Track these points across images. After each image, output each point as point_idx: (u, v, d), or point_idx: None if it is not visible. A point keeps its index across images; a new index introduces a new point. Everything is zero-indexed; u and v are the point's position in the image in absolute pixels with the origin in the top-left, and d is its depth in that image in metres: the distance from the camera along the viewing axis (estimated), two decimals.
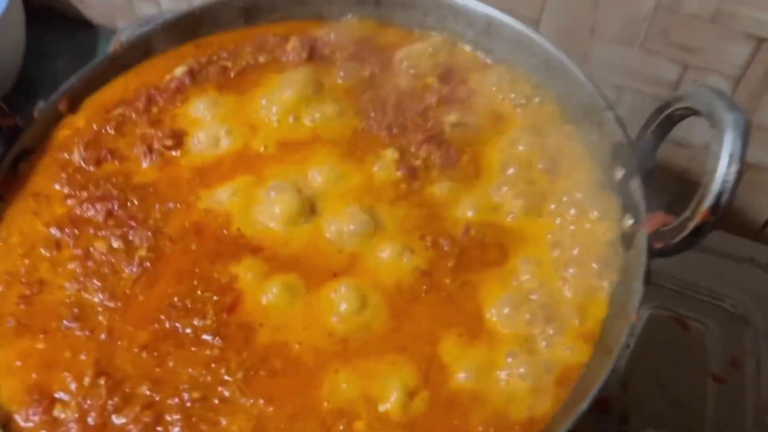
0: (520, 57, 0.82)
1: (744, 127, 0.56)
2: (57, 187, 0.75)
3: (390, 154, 0.77)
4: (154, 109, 0.82)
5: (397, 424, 0.60)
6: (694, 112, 0.63)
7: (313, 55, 0.86)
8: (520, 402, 0.61)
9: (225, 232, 0.71)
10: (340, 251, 0.69)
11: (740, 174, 0.56)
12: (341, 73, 0.84)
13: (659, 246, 0.63)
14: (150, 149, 0.77)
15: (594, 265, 0.67)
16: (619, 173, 0.71)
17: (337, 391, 0.62)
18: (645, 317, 0.91)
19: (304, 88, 0.81)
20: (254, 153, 0.77)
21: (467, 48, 0.86)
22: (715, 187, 0.57)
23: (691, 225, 0.59)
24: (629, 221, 0.68)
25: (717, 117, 0.59)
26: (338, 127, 0.79)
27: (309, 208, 0.72)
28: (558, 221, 0.71)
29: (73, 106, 0.82)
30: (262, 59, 0.86)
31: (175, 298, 0.67)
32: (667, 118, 0.66)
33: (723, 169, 0.57)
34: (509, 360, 0.63)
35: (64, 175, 0.76)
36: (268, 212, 0.72)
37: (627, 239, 0.67)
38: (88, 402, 0.61)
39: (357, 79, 0.84)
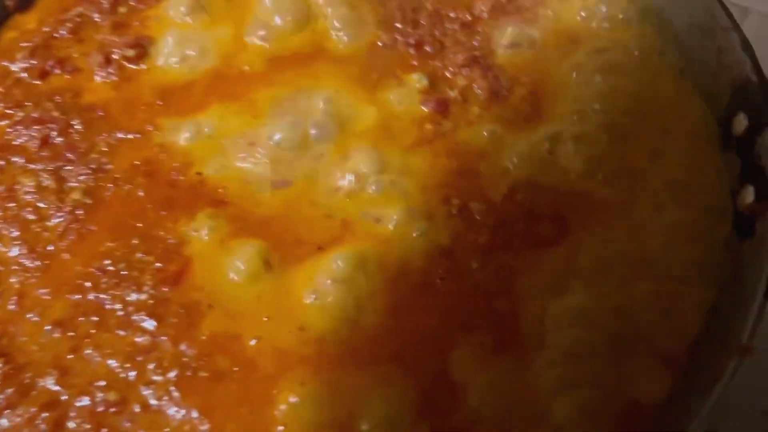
0: None
1: None
2: None
3: (416, 80, 0.56)
4: (121, 9, 0.63)
5: None
6: None
7: None
8: None
9: (182, 177, 0.53)
10: (329, 216, 0.50)
11: None
12: None
13: None
14: (107, 60, 0.60)
15: (689, 262, 0.44)
16: (742, 124, 0.48)
17: (300, 412, 0.43)
18: None
19: None
20: (236, 72, 0.58)
21: None
22: None
23: None
24: (750, 196, 0.45)
25: None
26: (352, 39, 0.59)
27: (303, 148, 0.53)
28: (643, 193, 0.48)
29: (24, 4, 0.64)
30: None
31: (107, 261, 0.49)
32: None
33: None
34: (551, 385, 0.43)
35: (1, 88, 0.59)
36: (245, 155, 0.53)
37: (745, 224, 0.45)
38: None
39: None
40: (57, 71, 0.61)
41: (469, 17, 0.60)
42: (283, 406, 0.44)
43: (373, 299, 0.47)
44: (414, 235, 0.49)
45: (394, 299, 0.47)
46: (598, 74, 0.56)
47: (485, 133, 0.54)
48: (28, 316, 0.49)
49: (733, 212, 0.48)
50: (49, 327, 0.49)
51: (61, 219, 0.53)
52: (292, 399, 0.45)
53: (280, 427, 0.44)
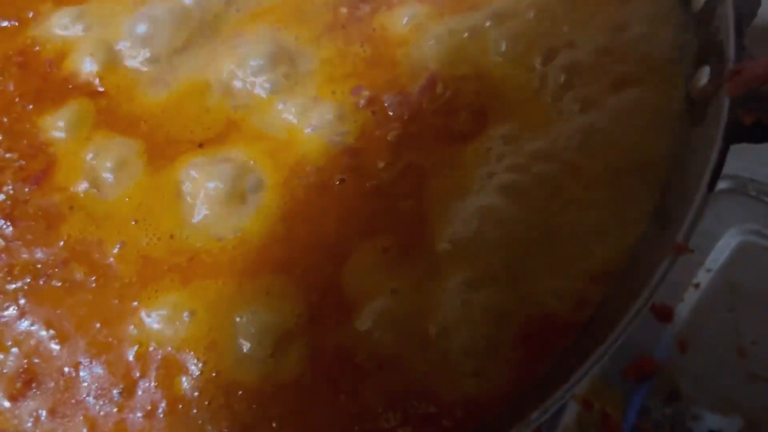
0: None
1: None
2: None
3: None
4: None
5: (245, 389, 0.35)
6: None
7: None
8: (468, 372, 0.35)
9: (59, 67, 0.45)
10: (213, 111, 0.43)
11: None
12: None
13: (750, 120, 0.33)
14: None
15: (627, 149, 0.37)
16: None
17: (160, 326, 0.36)
18: (732, 245, 0.59)
19: None
20: None
21: None
22: None
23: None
24: (705, 75, 0.37)
25: None
26: None
27: (195, 31, 0.45)
28: (585, 68, 0.41)
29: None
30: None
31: None
32: None
33: None
34: (456, 297, 0.36)
35: None
36: (124, 45, 0.45)
37: (697, 105, 0.37)
38: None
39: None
40: None
41: None
42: (145, 319, 0.38)
43: (258, 202, 0.40)
44: (311, 130, 0.42)
45: (285, 202, 0.40)
46: None
47: (406, 18, 0.46)
48: None
49: (684, 100, 0.40)
50: None
51: None
52: (155, 313, 0.38)
53: (135, 346, 0.37)
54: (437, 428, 0.34)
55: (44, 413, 0.36)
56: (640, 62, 0.42)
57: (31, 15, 0.49)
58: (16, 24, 0.49)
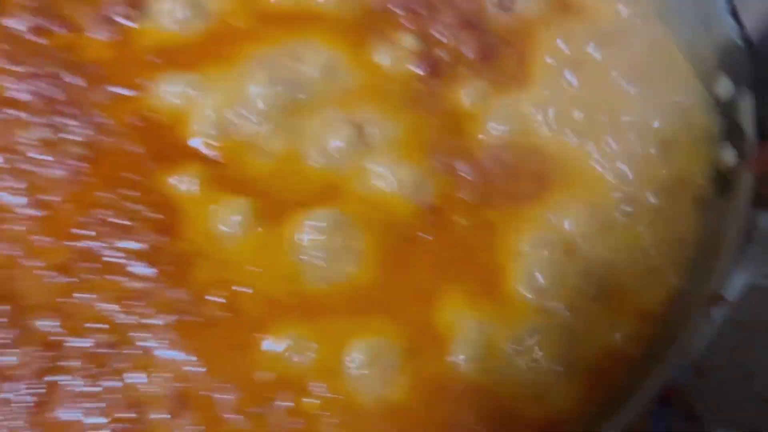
0: None
1: None
2: None
3: (407, 40, 0.57)
4: None
5: (362, 411, 0.43)
6: None
7: None
8: (539, 395, 0.43)
9: (177, 133, 0.54)
10: (316, 174, 0.51)
11: None
12: None
13: None
14: (107, 19, 0.60)
15: (669, 216, 0.46)
16: (725, 86, 0.49)
17: (286, 356, 0.45)
18: (742, 284, 0.68)
19: None
20: (228, 31, 0.59)
21: None
22: None
23: None
24: (730, 155, 0.46)
25: None
26: (342, 1, 0.60)
27: (293, 107, 0.54)
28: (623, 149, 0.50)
29: None
30: None
31: (106, 211, 0.51)
32: None
33: None
34: (529, 338, 0.44)
35: (5, 46, 0.60)
36: (235, 114, 0.54)
37: (723, 181, 0.46)
38: None
39: None
40: (58, 30, 0.61)
41: None
42: (273, 349, 0.46)
43: (358, 253, 0.49)
44: (399, 191, 0.51)
45: (381, 252, 0.49)
46: (589, 41, 0.57)
47: (475, 95, 0.55)
48: (29, 262, 0.51)
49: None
50: (49, 272, 0.50)
51: (60, 170, 0.54)
52: (281, 344, 0.46)
53: (266, 372, 0.45)
54: None
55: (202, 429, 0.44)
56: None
57: (148, 85, 0.58)
58: (136, 93, 0.57)
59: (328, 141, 0.53)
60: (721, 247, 0.44)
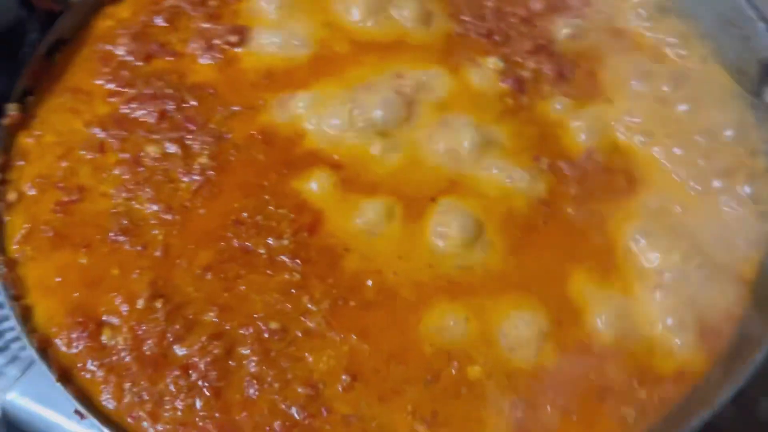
0: None
1: None
2: (99, 82, 0.63)
3: (493, 62, 0.65)
4: (212, 2, 0.69)
5: (522, 373, 0.49)
6: None
7: None
8: (667, 353, 0.50)
9: (298, 143, 0.59)
10: (439, 171, 0.58)
11: None
12: None
13: None
14: (209, 45, 0.65)
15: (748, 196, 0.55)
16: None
17: (445, 330, 0.50)
18: None
19: None
20: (329, 55, 0.65)
21: None
22: None
23: None
24: None
25: None
26: (428, 31, 0.67)
27: (403, 117, 0.60)
28: (693, 152, 0.59)
29: None
30: None
31: (244, 214, 0.55)
32: None
33: None
34: (656, 300, 0.51)
35: (107, 70, 0.64)
36: (346, 126, 0.60)
37: None
38: (143, 328, 0.49)
39: None
40: (159, 55, 0.66)
41: (527, 13, 0.69)
42: (430, 326, 0.51)
43: (487, 241, 0.55)
44: (518, 185, 0.57)
45: (507, 240, 0.55)
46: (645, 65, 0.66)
47: (558, 106, 0.63)
48: (177, 262, 0.54)
49: None
50: (199, 272, 0.53)
51: (192, 180, 0.58)
52: (437, 321, 0.51)
53: (428, 345, 0.50)
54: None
55: (373, 401, 0.49)
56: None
57: (261, 102, 0.63)
58: (251, 110, 0.62)
59: (442, 145, 0.59)
60: None
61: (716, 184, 0.59)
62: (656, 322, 0.51)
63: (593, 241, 0.55)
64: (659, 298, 0.52)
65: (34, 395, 0.57)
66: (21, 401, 0.58)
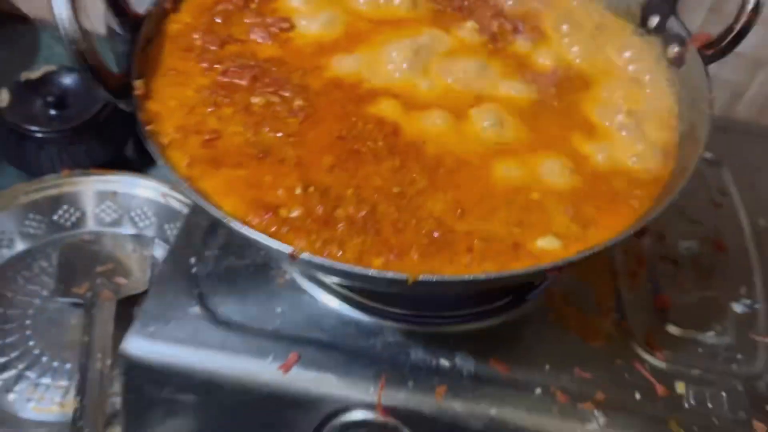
0: None
1: None
2: (191, 63, 0.82)
3: (470, 25, 0.93)
4: (252, 5, 0.91)
5: (562, 190, 0.75)
6: None
7: None
8: (645, 170, 0.78)
9: (360, 86, 0.82)
10: (464, 91, 0.83)
11: None
12: None
13: (708, 53, 0.84)
14: (267, 32, 0.87)
15: (662, 82, 0.86)
16: (654, 20, 0.92)
17: (508, 176, 0.75)
18: None
19: None
20: (356, 31, 0.89)
21: None
22: None
23: (738, 26, 0.81)
24: (675, 49, 0.89)
25: None
26: (419, 10, 0.94)
27: (427, 62, 0.86)
28: (621, 60, 0.90)
29: (175, 6, 0.89)
30: None
31: (343, 132, 0.77)
32: None
33: None
34: (625, 142, 0.80)
35: (192, 55, 0.83)
36: (395, 67, 0.84)
37: (678, 60, 0.88)
38: (310, 203, 0.69)
39: None
40: (230, 42, 0.86)
41: None
42: (495, 177, 0.76)
43: (517, 123, 0.81)
44: (519, 94, 0.85)
45: (527, 122, 0.82)
46: (566, 22, 0.97)
47: (524, 46, 0.92)
48: (309, 166, 0.74)
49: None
50: (328, 169, 0.74)
51: (296, 116, 0.79)
52: (500, 173, 0.76)
53: (501, 185, 0.75)
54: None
55: (479, 222, 0.72)
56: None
57: (322, 63, 0.86)
58: (316, 69, 0.85)
59: (460, 73, 0.85)
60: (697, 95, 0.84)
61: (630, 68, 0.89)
62: (631, 155, 0.79)
63: (576, 118, 0.83)
64: (626, 138, 0.80)
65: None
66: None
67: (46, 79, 1.32)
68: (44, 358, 1.10)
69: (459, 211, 0.70)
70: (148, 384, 0.83)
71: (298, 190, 0.70)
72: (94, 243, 1.24)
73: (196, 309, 0.84)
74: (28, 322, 1.14)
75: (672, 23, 0.89)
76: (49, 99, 1.28)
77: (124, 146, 1.36)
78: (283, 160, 0.73)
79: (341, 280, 0.76)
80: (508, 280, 0.66)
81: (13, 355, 1.10)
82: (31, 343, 1.11)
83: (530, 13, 0.96)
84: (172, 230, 1.25)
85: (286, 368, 0.79)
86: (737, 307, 0.91)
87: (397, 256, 0.65)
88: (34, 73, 1.33)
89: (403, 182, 0.73)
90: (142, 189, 1.27)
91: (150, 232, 1.26)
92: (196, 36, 0.85)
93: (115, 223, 1.27)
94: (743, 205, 1.06)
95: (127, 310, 1.14)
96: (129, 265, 1.22)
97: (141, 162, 1.37)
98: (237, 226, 0.65)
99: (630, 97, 0.85)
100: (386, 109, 0.79)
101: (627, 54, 0.90)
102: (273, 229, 0.66)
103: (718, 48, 0.83)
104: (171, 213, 1.26)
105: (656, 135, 0.81)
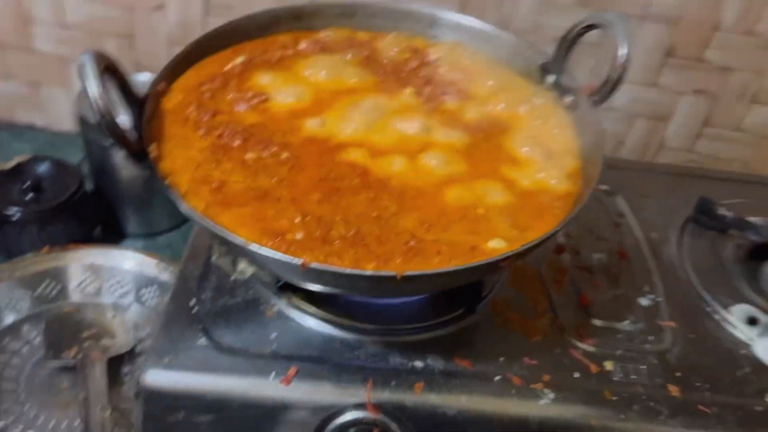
0: (461, 35, 1.27)
1: (626, 18, 1.07)
2: (190, 131, 1.00)
3: (409, 90, 1.16)
4: (231, 84, 1.11)
5: (501, 206, 0.96)
6: (593, 27, 1.12)
7: (324, 48, 1.23)
8: (559, 188, 1.01)
9: (330, 140, 1.02)
10: (413, 139, 1.05)
11: (631, 42, 1.06)
12: (348, 56, 1.22)
13: (595, 100, 1.10)
14: (248, 105, 1.07)
15: (563, 124, 1.11)
16: (551, 78, 1.19)
17: (457, 198, 0.96)
18: None
19: (332, 62, 1.18)
20: (321, 98, 1.10)
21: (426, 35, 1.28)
22: (623, 51, 1.06)
23: (614, 77, 1.07)
24: (569, 98, 1.15)
25: (609, 19, 1.08)
26: (366, 81, 1.17)
27: (380, 120, 1.08)
28: (530, 110, 1.15)
29: (168, 88, 1.08)
30: (289, 52, 1.20)
31: (324, 174, 0.96)
32: (576, 35, 1.15)
33: (625, 39, 1.06)
34: (541, 167, 1.03)
35: (189, 124, 1.01)
36: (356, 125, 1.05)
37: (573, 106, 1.14)
38: (308, 228, 0.88)
39: (360, 57, 1.22)
40: (219, 113, 1.06)
41: (410, 68, 1.22)
42: (447, 200, 0.97)
43: (458, 161, 1.03)
44: (456, 139, 1.07)
45: (462, 158, 1.04)
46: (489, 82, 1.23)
47: (453, 104, 1.16)
48: (301, 201, 0.92)
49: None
50: (317, 202, 0.93)
51: (284, 166, 0.98)
52: (451, 195, 0.97)
53: (453, 205, 0.96)
54: None
55: (439, 233, 0.92)
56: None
57: (297, 125, 1.06)
58: (293, 129, 1.05)
59: (408, 126, 1.07)
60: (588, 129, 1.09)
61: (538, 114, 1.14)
62: (547, 177, 1.02)
63: (502, 153, 1.05)
64: (541, 164, 1.03)
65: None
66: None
67: (20, 169, 1.45)
68: (40, 420, 1.19)
69: (426, 225, 0.90)
70: (165, 410, 0.96)
71: (298, 219, 0.88)
72: (77, 313, 1.35)
73: (203, 341, 0.98)
74: (21, 387, 1.23)
75: (564, 78, 1.15)
76: (26, 185, 1.41)
77: (97, 223, 1.49)
78: (280, 198, 0.91)
79: (339, 288, 0.93)
80: (472, 271, 0.85)
81: (10, 419, 1.18)
82: (26, 407, 1.20)
83: (454, 80, 1.20)
84: (149, 294, 1.38)
85: (287, 381, 0.94)
86: (643, 301, 1.14)
87: (384, 262, 0.84)
88: (9, 164, 1.45)
89: (379, 208, 0.91)
90: (118, 260, 1.40)
91: (128, 299, 1.38)
92: (190, 110, 1.02)
93: (95, 292, 1.38)
94: (637, 224, 1.31)
95: (113, 369, 1.25)
96: (112, 329, 1.34)
97: (111, 238, 1.50)
98: (256, 248, 0.82)
99: (540, 136, 1.08)
100: (355, 156, 0.99)
101: (534, 103, 1.15)
102: (283, 249, 0.83)
103: (601, 94, 1.08)
104: (146, 279, 1.39)
105: (564, 162, 1.04)
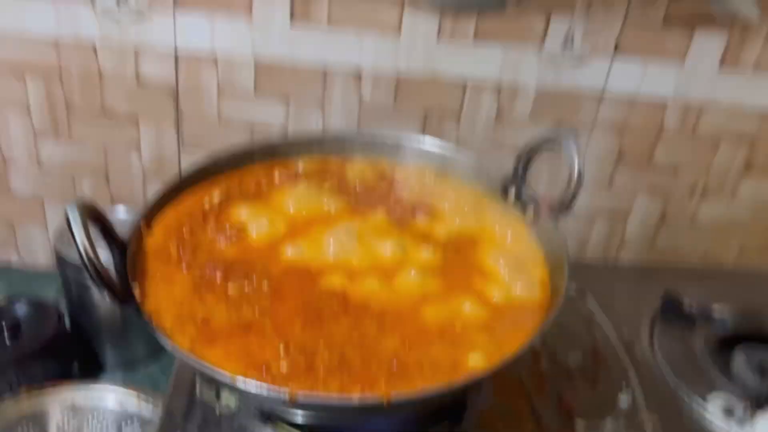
0: (425, 158, 1.35)
1: (576, 137, 1.16)
2: (173, 268, 1.04)
3: (379, 212, 1.22)
4: (210, 219, 1.16)
5: (477, 321, 1.00)
6: (546, 142, 1.21)
7: (297, 177, 1.29)
8: (530, 299, 1.06)
9: (308, 267, 1.07)
10: (389, 258, 1.10)
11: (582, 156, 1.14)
12: (322, 184, 1.28)
13: (555, 212, 1.17)
14: (227, 239, 1.11)
15: (527, 235, 1.18)
16: (513, 194, 1.26)
17: (435, 316, 1.00)
18: None
19: (307, 190, 1.24)
20: (296, 227, 1.15)
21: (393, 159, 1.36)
22: (577, 167, 1.14)
23: (570, 191, 1.15)
24: (531, 211, 1.22)
25: (559, 137, 1.17)
26: (339, 207, 1.23)
27: (354, 243, 1.13)
28: (495, 224, 1.22)
29: (149, 229, 1.12)
30: (264, 183, 1.27)
31: (305, 302, 1.00)
32: (531, 151, 1.23)
33: (577, 158, 1.14)
34: (510, 279, 1.08)
35: (171, 262, 1.05)
36: (332, 249, 1.10)
37: (535, 218, 1.21)
38: (292, 359, 0.90)
39: (332, 183, 1.29)
40: (200, 249, 1.10)
41: (380, 192, 1.29)
42: (425, 318, 1.01)
43: (436, 279, 1.08)
44: (430, 259, 1.13)
45: (438, 277, 1.09)
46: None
47: (423, 222, 1.22)
48: (285, 331, 0.96)
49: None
50: (300, 330, 0.96)
51: (266, 296, 1.02)
52: (428, 313, 1.01)
53: (431, 322, 1.00)
54: None
55: (418, 346, 0.96)
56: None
57: (275, 254, 1.10)
58: (272, 259, 1.09)
59: (382, 246, 1.12)
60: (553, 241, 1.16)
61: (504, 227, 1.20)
62: (517, 288, 1.07)
63: (473, 266, 1.11)
64: (510, 276, 1.08)
65: None
66: None
67: None
68: None
69: (407, 345, 0.93)
70: None
71: (282, 350, 0.90)
72: None
73: None
74: None
75: (525, 193, 1.22)
76: (3, 328, 1.41)
77: (75, 359, 1.49)
78: (263, 329, 0.94)
79: (326, 413, 0.94)
80: (455, 390, 0.88)
81: None
82: None
83: (422, 200, 1.27)
84: (131, 431, 1.36)
85: None
86: (623, 398, 1.17)
87: (369, 387, 0.86)
88: None
89: (360, 331, 0.95)
90: (98, 397, 1.40)
91: None
92: (171, 248, 1.06)
93: (77, 431, 1.36)
94: (608, 322, 1.36)
95: None
96: None
97: (89, 372, 1.50)
98: (243, 382, 0.84)
99: (508, 248, 1.14)
100: (333, 281, 1.03)
101: (499, 217, 1.21)
102: (269, 381, 0.86)
103: (561, 206, 1.15)
104: (127, 415, 1.38)
105: (533, 272, 1.09)
